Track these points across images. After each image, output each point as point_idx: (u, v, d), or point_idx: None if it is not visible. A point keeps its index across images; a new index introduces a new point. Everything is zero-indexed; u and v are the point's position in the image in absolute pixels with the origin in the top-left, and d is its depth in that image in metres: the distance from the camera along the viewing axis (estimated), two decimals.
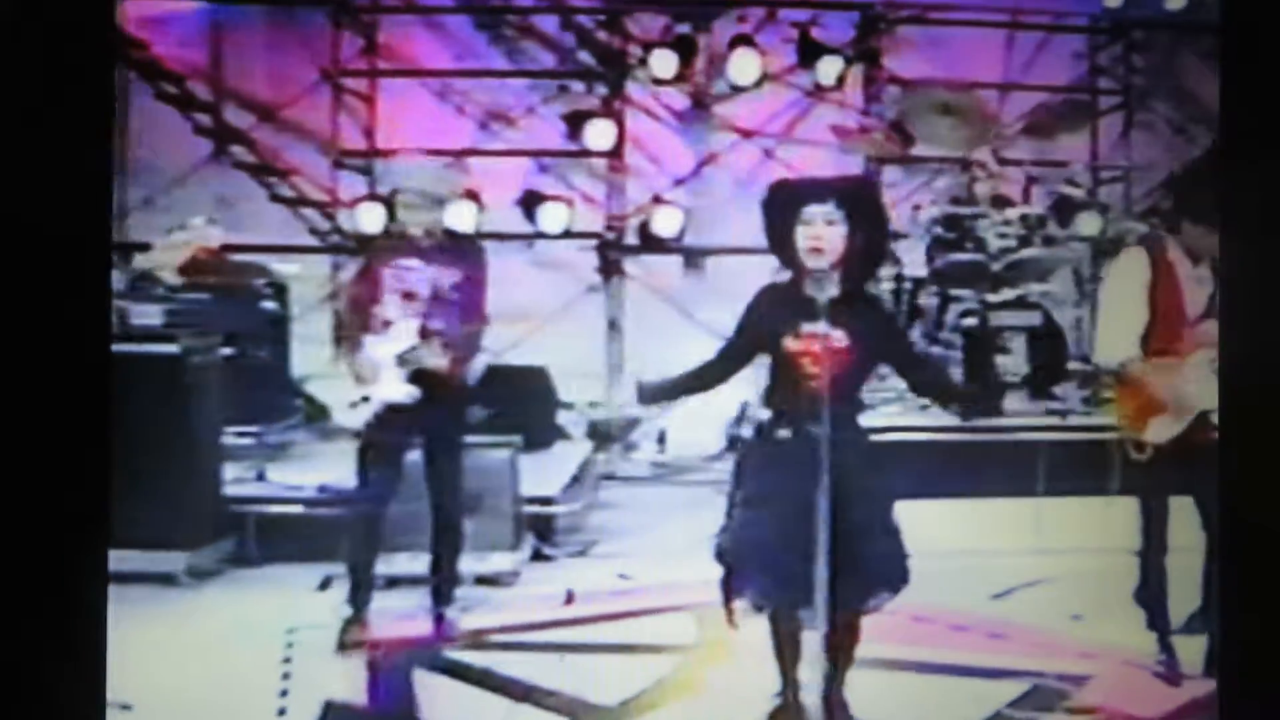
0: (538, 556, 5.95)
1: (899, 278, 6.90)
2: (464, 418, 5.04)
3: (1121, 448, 4.17)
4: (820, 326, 3.44)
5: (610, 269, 8.25)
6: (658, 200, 7.90)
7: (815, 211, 3.57)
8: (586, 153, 7.97)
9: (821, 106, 8.49)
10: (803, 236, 3.57)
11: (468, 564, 5.20)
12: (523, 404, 6.84)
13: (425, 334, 4.70)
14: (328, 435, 6.97)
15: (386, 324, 4.76)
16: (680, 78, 7.93)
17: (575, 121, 8.02)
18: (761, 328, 3.69)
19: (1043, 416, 6.15)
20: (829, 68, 7.78)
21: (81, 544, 2.25)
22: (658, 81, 8.03)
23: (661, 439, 8.46)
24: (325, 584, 5.56)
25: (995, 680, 4.27)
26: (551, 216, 7.76)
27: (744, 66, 7.80)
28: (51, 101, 2.18)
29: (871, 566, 3.54)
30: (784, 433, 3.59)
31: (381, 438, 4.77)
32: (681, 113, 8.65)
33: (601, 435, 7.86)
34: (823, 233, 3.54)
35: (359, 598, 4.89)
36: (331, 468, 5.93)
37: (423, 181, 4.94)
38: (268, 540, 5.84)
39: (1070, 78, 8.14)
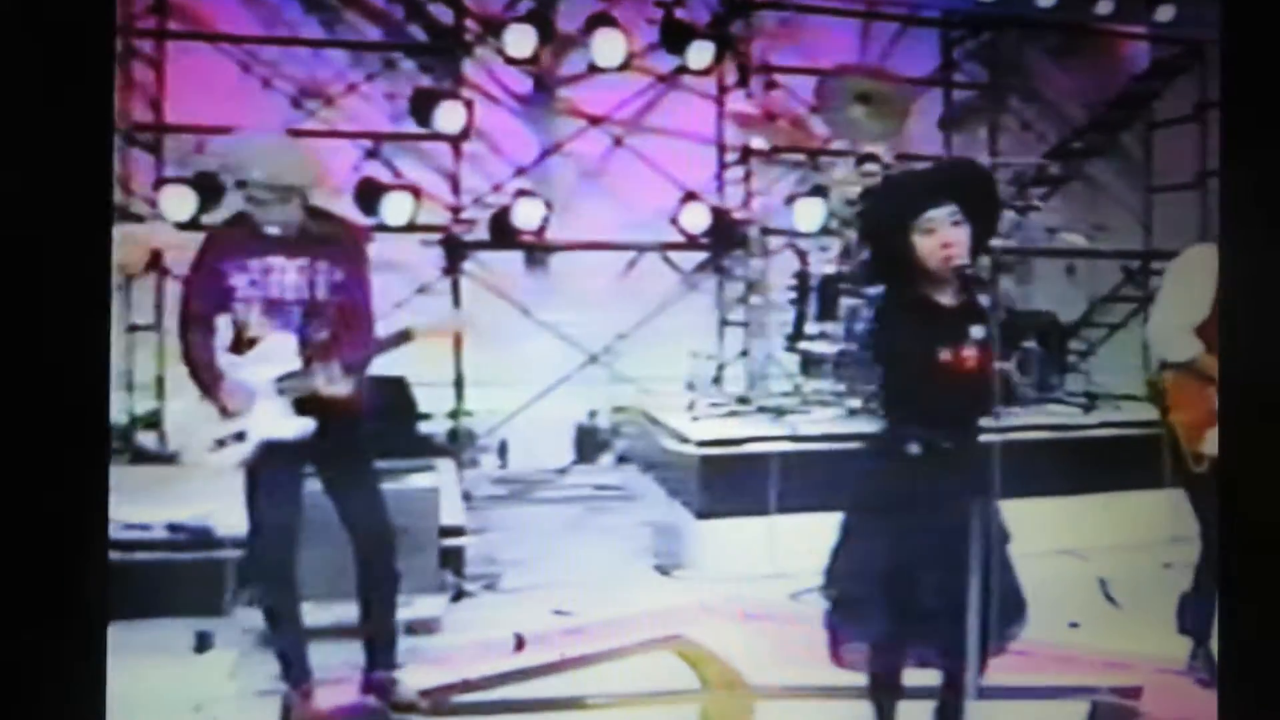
0: (459, 596, 5.40)
1: (802, 275, 6.78)
2: (367, 445, 4.21)
3: (1177, 460, 4.18)
4: (950, 332, 3.27)
5: (454, 266, 7.68)
6: (522, 193, 7.41)
7: (940, 216, 3.30)
8: (436, 136, 7.36)
9: (676, 93, 8.28)
10: (928, 243, 3.29)
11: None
12: (384, 420, 6.20)
13: (309, 351, 3.93)
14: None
15: (250, 341, 3.95)
16: (534, 58, 7.46)
17: (421, 102, 7.39)
18: (888, 336, 3.42)
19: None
20: (700, 53, 7.55)
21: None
22: (510, 61, 7.52)
23: (502, 452, 8.02)
24: (203, 644, 4.82)
25: (1052, 700, 4.19)
26: (396, 208, 7.10)
27: (608, 48, 7.43)
28: None
29: (1009, 597, 3.35)
30: (914, 448, 3.34)
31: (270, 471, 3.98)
32: (523, 96, 8.19)
33: (459, 449, 7.35)
34: (951, 237, 3.29)
35: (294, 662, 4.19)
36: (181, 501, 5.16)
37: (270, 169, 3.88)
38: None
39: (926, 71, 8.31)
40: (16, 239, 2.08)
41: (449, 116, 7.30)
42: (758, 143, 7.65)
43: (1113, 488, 5.99)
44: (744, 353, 6.99)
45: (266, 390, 3.92)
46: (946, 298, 3.37)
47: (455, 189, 7.68)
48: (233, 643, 4.74)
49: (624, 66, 7.60)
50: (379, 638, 4.31)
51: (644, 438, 7.02)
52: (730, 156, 8.21)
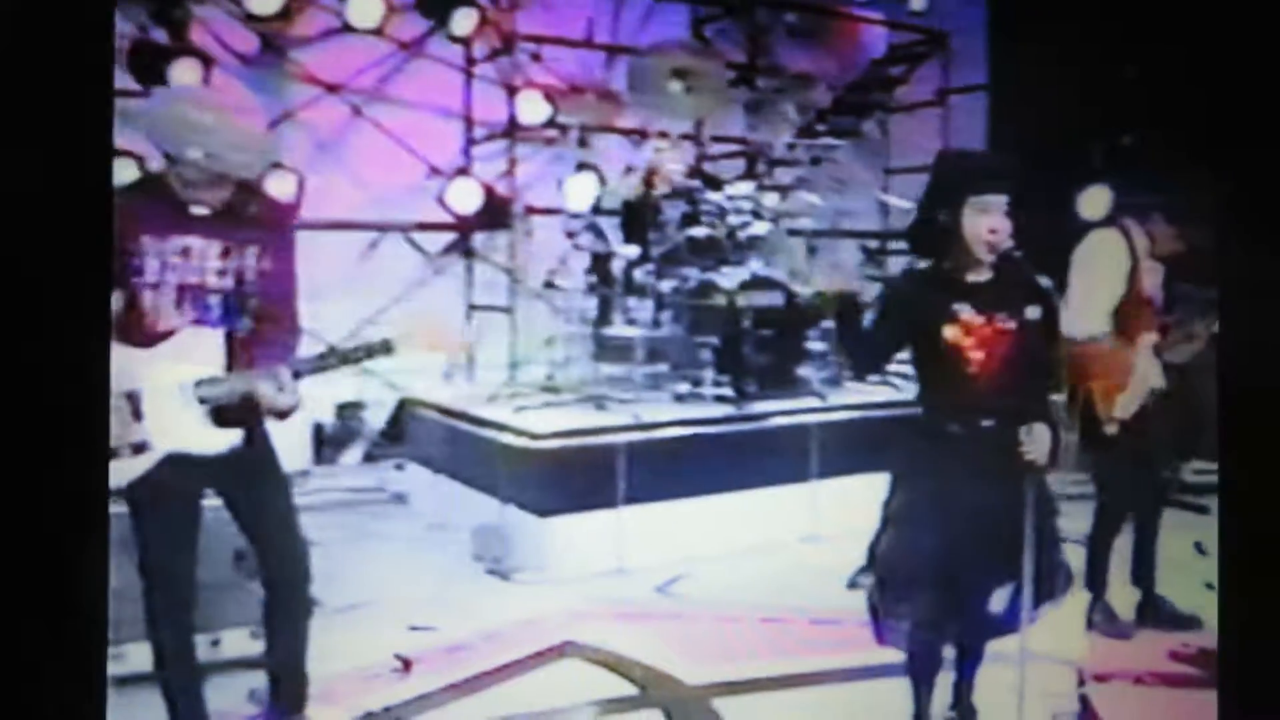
0: None
1: (609, 255, 6.79)
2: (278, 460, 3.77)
3: (1087, 423, 4.64)
4: (982, 309, 3.42)
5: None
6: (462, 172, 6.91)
7: (996, 201, 3.43)
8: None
9: (420, 61, 8.01)
10: (978, 222, 3.41)
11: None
12: None
13: (237, 349, 3.46)
14: None
15: (163, 334, 3.42)
16: (285, 12, 6.96)
17: (142, 58, 6.68)
18: (911, 316, 3.52)
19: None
20: (463, 20, 7.34)
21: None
22: (251, 18, 6.97)
23: None
24: None
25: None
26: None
27: (365, 5, 7.07)
28: None
29: (1057, 570, 3.59)
30: (954, 428, 3.47)
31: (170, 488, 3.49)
32: (250, 57, 7.60)
33: None
34: (999, 224, 3.42)
35: (185, 704, 3.74)
36: None
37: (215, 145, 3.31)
38: None
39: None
40: (16, 238, 2.00)
41: (183, 75, 6.66)
42: (529, 117, 7.55)
43: None
44: (549, 341, 6.91)
45: (180, 395, 3.42)
46: (976, 275, 3.50)
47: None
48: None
49: (378, 31, 7.27)
50: (286, 675, 3.93)
51: (437, 433, 6.76)
52: (480, 131, 8.07)
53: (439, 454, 6.71)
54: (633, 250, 6.64)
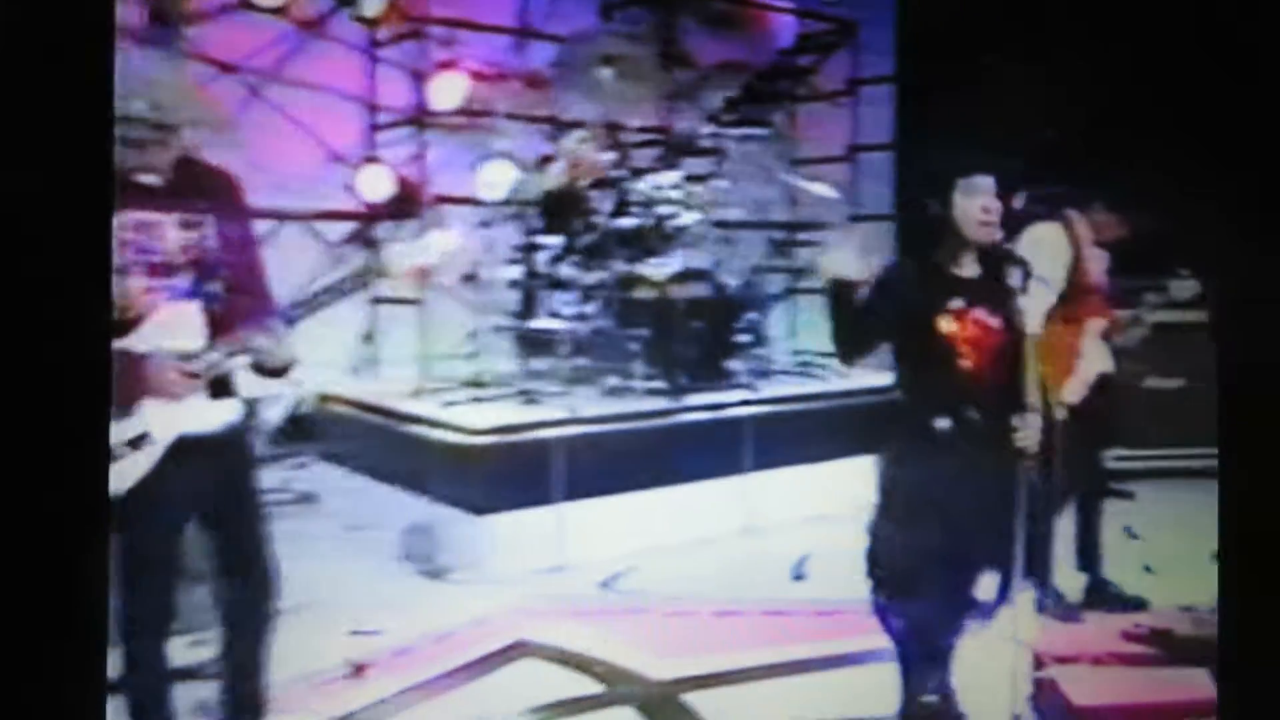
0: None
1: (531, 246, 6.71)
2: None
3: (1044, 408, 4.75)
4: (971, 303, 3.48)
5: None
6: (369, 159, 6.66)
7: (986, 183, 3.48)
8: None
9: (322, 43, 7.80)
10: (970, 205, 3.46)
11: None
12: None
13: (216, 320, 3.32)
14: None
15: (138, 317, 3.25)
16: None
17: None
18: (904, 307, 3.53)
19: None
20: (374, 1, 7.17)
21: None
22: None
23: None
24: None
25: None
26: None
27: None
28: None
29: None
30: (943, 423, 3.51)
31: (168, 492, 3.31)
32: (139, 32, 7.28)
33: None
34: (992, 205, 3.48)
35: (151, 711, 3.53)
36: None
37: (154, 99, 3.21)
38: None
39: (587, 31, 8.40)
40: (15, 237, 2.03)
41: None
42: (443, 102, 7.42)
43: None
44: (472, 334, 6.79)
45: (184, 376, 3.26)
46: (966, 270, 3.56)
47: None
48: None
49: (281, 10, 7.06)
50: (247, 691, 3.80)
51: (353, 430, 6.61)
52: (384, 117, 7.91)
53: (355, 452, 6.55)
54: (556, 241, 6.57)
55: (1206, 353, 7.27)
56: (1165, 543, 5.94)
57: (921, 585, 3.52)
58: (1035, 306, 4.57)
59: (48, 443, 1.99)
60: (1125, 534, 5.81)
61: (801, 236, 8.72)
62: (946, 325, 3.48)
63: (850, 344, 3.68)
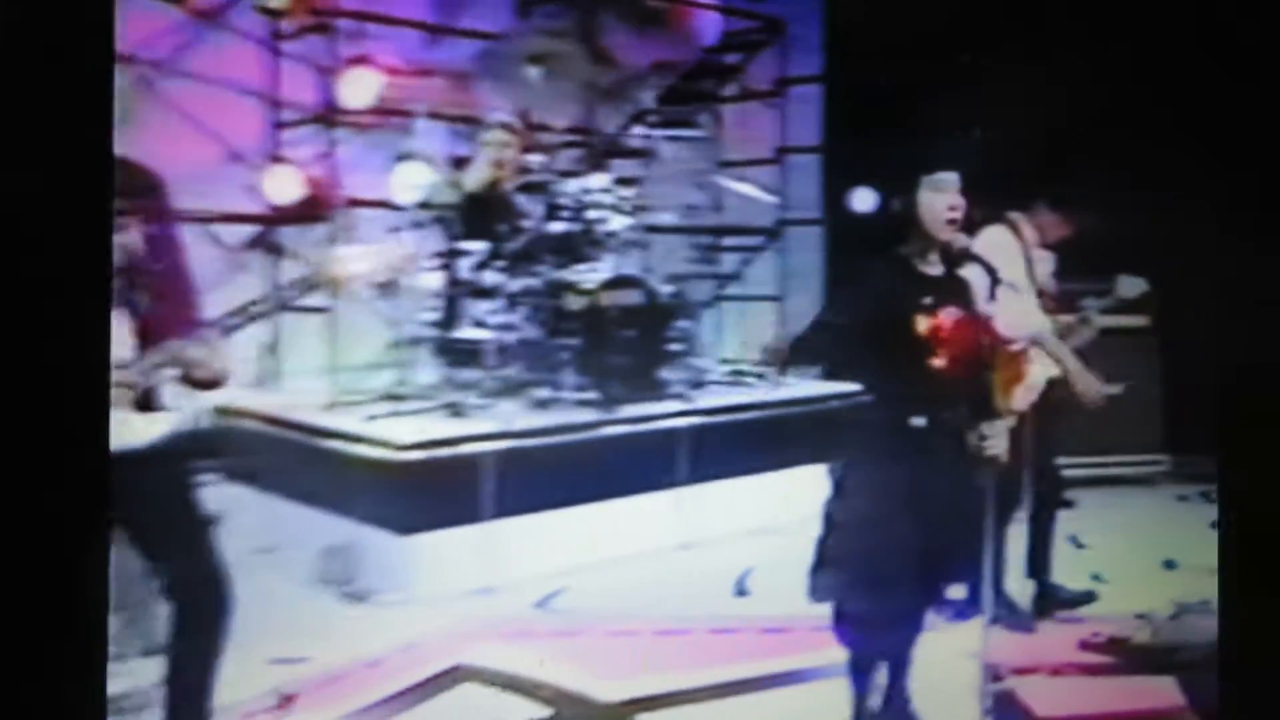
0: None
1: (453, 252, 6.42)
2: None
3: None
4: (940, 301, 3.47)
5: None
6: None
7: (952, 179, 3.49)
8: None
9: (219, 35, 7.42)
10: (936, 201, 3.47)
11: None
12: None
13: (144, 329, 3.27)
14: None
15: None
16: None
17: None
18: (878, 306, 3.47)
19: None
20: None
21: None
22: None
23: None
24: None
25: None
26: None
27: None
28: None
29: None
30: (918, 421, 3.43)
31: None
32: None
33: None
34: (958, 202, 3.49)
35: None
36: None
37: None
38: None
39: (501, 27, 8.14)
40: (15, 237, 2.08)
41: None
42: (355, 100, 7.10)
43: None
44: (394, 344, 6.47)
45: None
46: (931, 267, 3.54)
47: None
48: None
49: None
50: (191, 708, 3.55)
51: (259, 445, 6.26)
52: (290, 114, 7.56)
53: (263, 468, 6.21)
54: (480, 247, 6.30)
55: (1150, 358, 7.34)
56: (1113, 550, 5.90)
57: (887, 589, 3.39)
58: (1009, 311, 4.51)
59: (48, 443, 2.02)
60: (1071, 544, 5.73)
61: (728, 242, 8.57)
62: (925, 323, 3.41)
63: (813, 347, 3.67)
